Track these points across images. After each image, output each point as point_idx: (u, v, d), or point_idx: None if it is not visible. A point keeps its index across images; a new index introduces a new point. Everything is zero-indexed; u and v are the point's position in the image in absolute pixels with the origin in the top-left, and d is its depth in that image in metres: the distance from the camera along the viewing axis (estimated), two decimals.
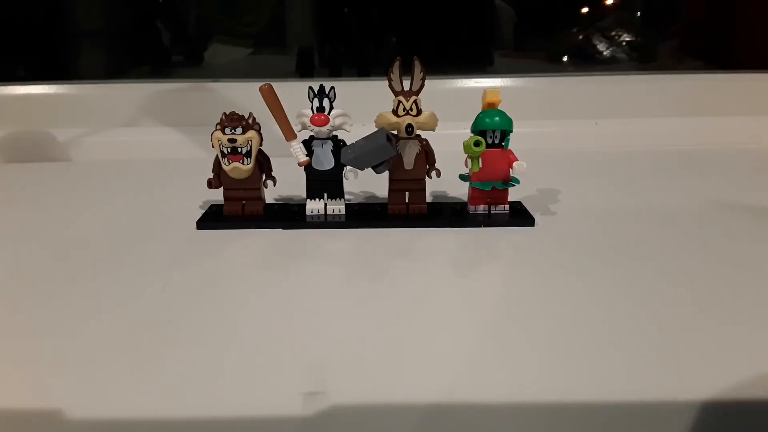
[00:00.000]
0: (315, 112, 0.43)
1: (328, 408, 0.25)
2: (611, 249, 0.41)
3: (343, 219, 0.45)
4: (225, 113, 0.43)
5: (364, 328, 0.31)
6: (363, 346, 0.29)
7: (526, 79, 0.74)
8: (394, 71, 0.43)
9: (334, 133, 0.44)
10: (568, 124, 0.72)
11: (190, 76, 0.78)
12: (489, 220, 0.45)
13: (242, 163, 0.44)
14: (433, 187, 0.49)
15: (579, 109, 0.73)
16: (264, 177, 0.46)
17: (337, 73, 0.82)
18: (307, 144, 0.45)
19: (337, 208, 0.46)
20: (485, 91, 0.44)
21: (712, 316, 0.32)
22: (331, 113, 0.44)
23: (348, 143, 0.43)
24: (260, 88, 0.42)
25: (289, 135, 0.44)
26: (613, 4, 0.83)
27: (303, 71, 0.81)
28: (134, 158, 0.67)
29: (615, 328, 0.30)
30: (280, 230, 0.44)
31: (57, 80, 0.74)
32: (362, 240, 0.43)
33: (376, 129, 0.42)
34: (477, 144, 0.41)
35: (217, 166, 0.45)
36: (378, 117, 0.44)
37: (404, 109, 0.43)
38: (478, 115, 0.44)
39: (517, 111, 0.44)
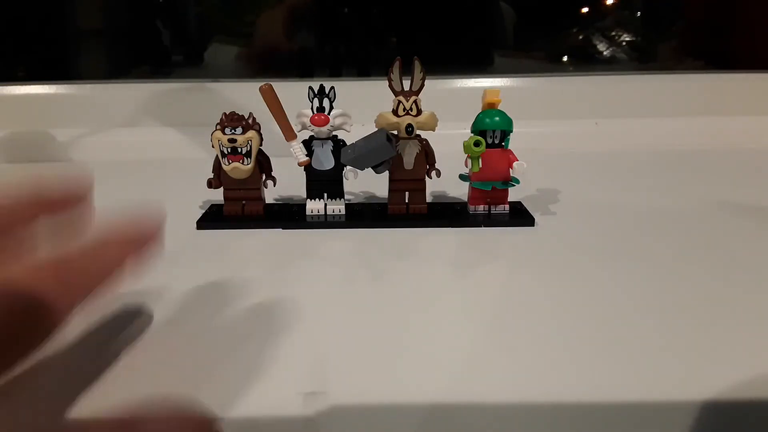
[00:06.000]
0: (315, 112, 0.43)
1: (328, 408, 0.25)
2: (611, 249, 0.41)
3: (343, 219, 0.45)
4: (225, 113, 0.43)
5: (364, 327, 0.31)
6: (363, 346, 0.29)
7: (526, 79, 0.74)
8: (394, 71, 0.43)
9: (334, 133, 0.44)
10: (568, 124, 0.72)
11: (190, 76, 0.78)
12: (489, 220, 0.45)
13: (242, 163, 0.44)
14: (433, 187, 0.48)
15: (579, 109, 0.73)
16: (264, 177, 0.46)
17: (337, 73, 0.81)
18: (307, 144, 0.45)
19: (337, 208, 0.46)
20: (485, 91, 0.44)
21: (713, 316, 0.32)
22: (331, 113, 0.44)
23: (348, 143, 0.43)
24: (260, 88, 0.42)
25: (289, 135, 0.44)
26: (613, 4, 0.83)
27: (303, 71, 0.81)
28: (134, 158, 0.67)
29: (615, 328, 0.30)
30: (280, 230, 0.44)
31: (57, 80, 0.74)
32: (362, 240, 0.43)
33: (376, 129, 0.42)
34: (477, 144, 0.41)
35: (217, 166, 0.45)
36: (378, 117, 0.44)
37: (404, 109, 0.43)
38: (478, 115, 0.44)
39: (517, 111, 0.44)
